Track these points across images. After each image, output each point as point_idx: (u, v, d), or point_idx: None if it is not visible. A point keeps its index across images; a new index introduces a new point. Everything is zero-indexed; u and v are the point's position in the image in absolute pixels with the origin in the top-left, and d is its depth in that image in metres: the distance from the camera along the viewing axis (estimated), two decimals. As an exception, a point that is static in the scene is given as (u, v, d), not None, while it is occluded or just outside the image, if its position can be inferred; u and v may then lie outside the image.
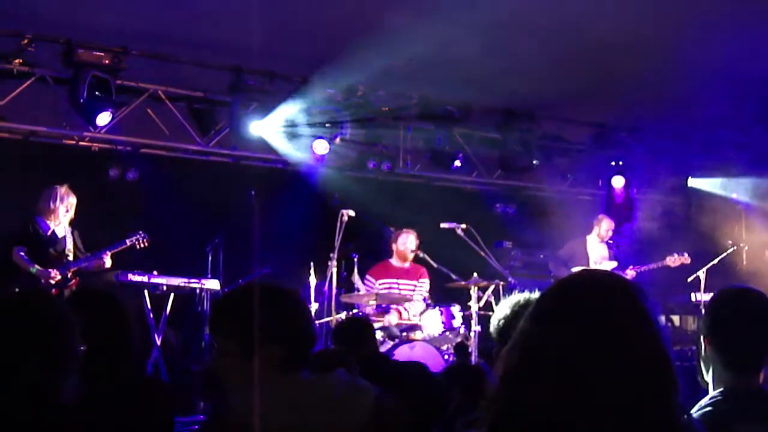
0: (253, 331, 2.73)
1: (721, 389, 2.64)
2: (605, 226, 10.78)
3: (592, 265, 10.54)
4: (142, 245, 8.51)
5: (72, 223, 8.38)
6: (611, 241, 10.87)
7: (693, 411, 2.55)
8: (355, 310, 9.17)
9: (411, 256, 9.57)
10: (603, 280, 1.87)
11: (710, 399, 2.61)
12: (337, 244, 8.96)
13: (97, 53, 9.02)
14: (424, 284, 9.62)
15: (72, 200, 8.30)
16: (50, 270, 8.02)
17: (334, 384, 2.77)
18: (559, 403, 1.71)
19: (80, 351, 2.55)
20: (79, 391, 2.52)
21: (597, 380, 1.72)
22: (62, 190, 8.28)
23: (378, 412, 2.67)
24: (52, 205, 8.21)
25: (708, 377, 2.73)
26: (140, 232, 8.51)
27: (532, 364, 1.77)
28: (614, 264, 10.60)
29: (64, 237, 8.29)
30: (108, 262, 8.32)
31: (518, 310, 3.21)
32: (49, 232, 8.22)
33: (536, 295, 3.34)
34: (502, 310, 3.33)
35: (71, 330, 2.54)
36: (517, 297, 3.33)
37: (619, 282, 1.86)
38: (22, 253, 8.03)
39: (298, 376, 2.74)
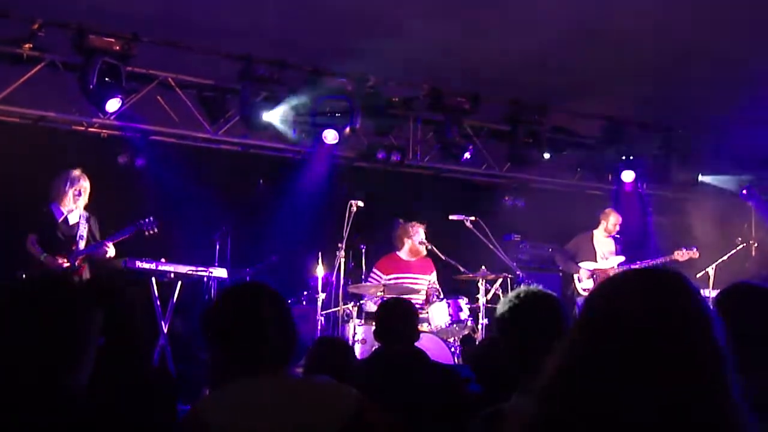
0: (227, 333, 2.79)
1: (732, 387, 2.61)
2: (612, 220, 10.73)
3: (599, 260, 10.52)
4: (151, 232, 8.49)
5: (88, 209, 8.39)
6: (618, 236, 10.83)
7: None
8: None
9: (423, 249, 9.54)
10: (663, 278, 1.83)
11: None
12: (345, 234, 8.93)
13: (108, 39, 8.99)
14: (434, 278, 9.61)
15: (84, 184, 8.31)
16: (58, 258, 8.04)
17: (309, 386, 2.77)
18: (617, 402, 1.69)
19: (99, 342, 2.55)
20: (86, 377, 2.53)
21: (656, 382, 1.69)
22: (74, 173, 8.29)
23: (357, 420, 2.67)
24: (63, 189, 8.23)
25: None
26: (150, 218, 8.50)
27: (591, 365, 1.74)
28: (621, 258, 10.57)
29: (77, 224, 8.30)
30: (111, 252, 8.32)
31: (514, 306, 3.33)
32: (61, 219, 8.24)
33: (534, 288, 3.42)
34: (502, 306, 3.44)
35: (92, 317, 2.54)
36: (516, 292, 3.44)
37: (679, 281, 1.82)
38: (34, 242, 8.06)
39: (274, 377, 2.75)
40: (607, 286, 1.87)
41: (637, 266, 10.07)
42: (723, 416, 1.69)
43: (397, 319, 5.49)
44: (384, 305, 5.88)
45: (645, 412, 1.67)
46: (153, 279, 8.71)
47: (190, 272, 8.91)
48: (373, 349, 8.23)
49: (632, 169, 12.15)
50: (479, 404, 3.84)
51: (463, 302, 8.99)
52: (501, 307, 3.43)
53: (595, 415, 1.69)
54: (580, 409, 1.70)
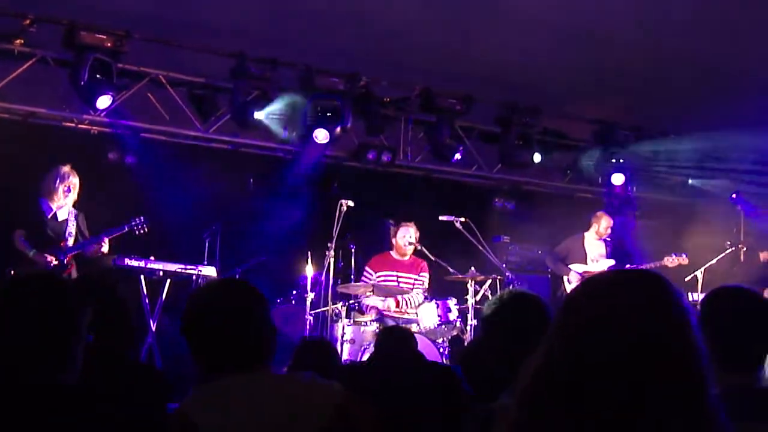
0: (202, 332, 2.77)
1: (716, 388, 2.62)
2: (604, 223, 10.72)
3: (590, 263, 10.52)
4: (141, 231, 8.48)
5: (77, 206, 8.36)
6: (609, 239, 10.83)
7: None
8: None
9: (410, 249, 9.49)
10: (643, 279, 1.82)
11: (706, 398, 2.59)
12: (335, 234, 8.92)
13: (99, 36, 8.97)
14: (424, 278, 9.57)
15: (74, 180, 8.26)
16: (47, 255, 7.99)
17: (293, 383, 2.76)
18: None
19: (88, 338, 2.56)
20: (78, 374, 2.53)
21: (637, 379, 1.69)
22: (64, 169, 8.24)
23: (342, 413, 2.67)
24: (53, 185, 8.19)
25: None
26: (141, 217, 8.48)
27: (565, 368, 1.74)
28: (611, 262, 10.57)
29: (66, 220, 8.24)
30: (105, 247, 8.29)
31: (499, 308, 3.36)
32: (50, 215, 8.19)
33: (518, 290, 3.45)
34: (487, 308, 3.48)
35: (83, 315, 2.54)
36: (500, 294, 3.49)
37: (659, 281, 1.82)
38: (22, 238, 8.01)
39: (260, 374, 2.74)
40: (587, 287, 1.86)
41: (627, 268, 10.13)
42: (702, 416, 1.70)
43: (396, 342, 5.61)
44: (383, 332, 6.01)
45: (628, 410, 1.67)
46: (142, 277, 8.69)
47: (179, 270, 8.88)
48: (363, 348, 8.26)
49: (622, 172, 12.16)
50: (475, 405, 3.85)
51: (452, 303, 8.99)
52: (486, 309, 3.46)
53: (577, 414, 1.70)
54: (562, 409, 1.71)
